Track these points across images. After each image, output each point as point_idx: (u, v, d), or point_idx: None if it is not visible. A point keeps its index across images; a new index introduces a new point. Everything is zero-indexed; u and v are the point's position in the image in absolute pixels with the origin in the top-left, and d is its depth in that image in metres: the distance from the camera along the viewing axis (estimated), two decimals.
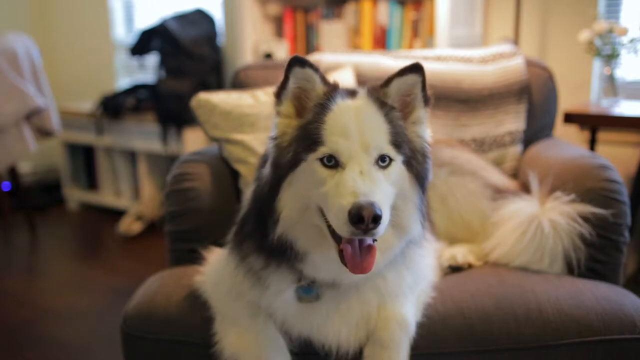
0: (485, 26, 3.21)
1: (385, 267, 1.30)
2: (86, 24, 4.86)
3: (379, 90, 1.26)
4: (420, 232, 1.29)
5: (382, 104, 1.24)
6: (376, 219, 1.07)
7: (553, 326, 1.39)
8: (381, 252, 1.23)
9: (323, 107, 1.23)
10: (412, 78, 1.25)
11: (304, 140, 1.21)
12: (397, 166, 1.21)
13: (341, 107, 1.22)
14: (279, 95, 1.27)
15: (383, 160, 1.18)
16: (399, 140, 1.21)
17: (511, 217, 1.64)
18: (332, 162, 1.17)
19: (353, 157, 1.16)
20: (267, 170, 1.28)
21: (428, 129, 1.31)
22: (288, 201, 1.23)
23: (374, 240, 1.16)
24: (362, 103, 1.24)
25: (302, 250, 1.24)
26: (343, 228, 1.10)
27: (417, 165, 1.25)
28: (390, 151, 1.19)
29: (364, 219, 1.06)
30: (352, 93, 1.27)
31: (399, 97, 1.27)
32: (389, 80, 1.26)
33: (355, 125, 1.18)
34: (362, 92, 1.26)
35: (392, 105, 1.25)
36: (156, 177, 4.10)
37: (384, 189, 1.16)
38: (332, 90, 1.26)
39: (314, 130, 1.20)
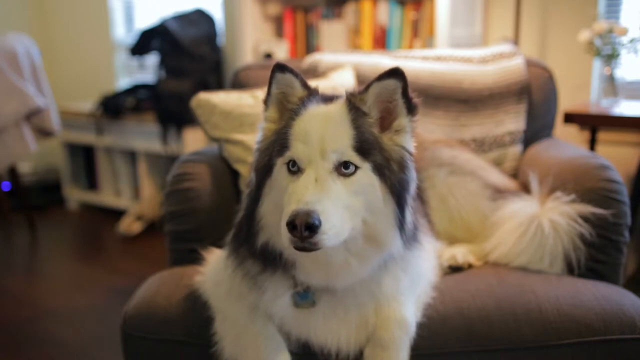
0: (485, 26, 3.21)
1: (378, 271, 1.29)
2: (86, 24, 4.86)
3: (357, 95, 1.23)
4: (399, 247, 1.24)
5: (353, 109, 1.21)
6: (311, 228, 1.05)
7: (553, 326, 1.39)
8: (359, 262, 1.22)
9: (295, 112, 1.23)
10: (391, 83, 1.20)
11: (276, 144, 1.22)
12: (364, 174, 1.17)
13: (310, 112, 1.22)
14: (265, 101, 1.30)
15: (346, 167, 1.15)
16: (365, 147, 1.17)
17: (511, 217, 1.64)
18: (296, 168, 1.17)
19: (311, 163, 1.15)
20: (252, 176, 1.29)
21: (412, 139, 1.26)
22: (269, 208, 1.23)
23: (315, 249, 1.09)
24: (332, 108, 1.22)
25: (290, 257, 1.24)
26: (283, 234, 1.09)
27: (391, 176, 1.19)
28: (353, 157, 1.16)
29: (297, 226, 1.05)
30: (330, 98, 1.26)
31: (380, 103, 1.22)
32: (368, 86, 1.22)
33: (317, 131, 1.16)
34: (341, 98, 1.25)
35: (366, 111, 1.22)
36: (156, 177, 4.10)
37: (340, 198, 1.12)
38: (309, 95, 1.25)
39: (283, 135, 1.21)
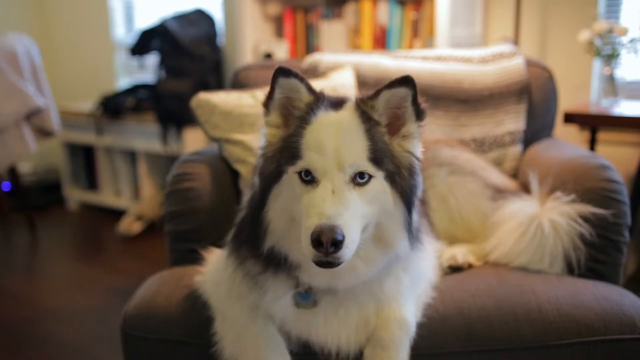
0: (485, 26, 3.21)
1: (381, 272, 1.29)
2: (86, 24, 4.86)
3: (367, 102, 1.23)
4: (407, 249, 1.26)
5: (366, 118, 1.21)
6: (336, 244, 1.06)
7: (553, 326, 1.39)
8: (365, 264, 1.23)
9: (304, 119, 1.22)
10: (402, 91, 1.20)
11: (285, 152, 1.21)
12: (378, 183, 1.18)
13: (321, 120, 1.21)
14: (266, 105, 1.27)
15: (362, 177, 1.16)
16: (379, 157, 1.18)
17: (511, 217, 1.64)
18: (309, 177, 1.16)
19: (327, 175, 1.15)
20: (256, 180, 1.29)
21: (420, 144, 1.26)
22: (275, 213, 1.23)
23: (339, 264, 1.12)
24: (344, 117, 1.21)
25: (295, 260, 1.24)
26: (306, 249, 1.10)
27: (401, 182, 1.21)
28: (369, 168, 1.17)
29: (323, 243, 1.06)
30: (338, 104, 1.25)
31: (388, 109, 1.22)
32: (378, 92, 1.22)
33: (331, 141, 1.16)
34: (349, 104, 1.24)
35: (377, 119, 1.22)
36: (156, 177, 4.10)
37: (357, 209, 1.13)
38: (316, 101, 1.24)
39: (293, 143, 1.19)
